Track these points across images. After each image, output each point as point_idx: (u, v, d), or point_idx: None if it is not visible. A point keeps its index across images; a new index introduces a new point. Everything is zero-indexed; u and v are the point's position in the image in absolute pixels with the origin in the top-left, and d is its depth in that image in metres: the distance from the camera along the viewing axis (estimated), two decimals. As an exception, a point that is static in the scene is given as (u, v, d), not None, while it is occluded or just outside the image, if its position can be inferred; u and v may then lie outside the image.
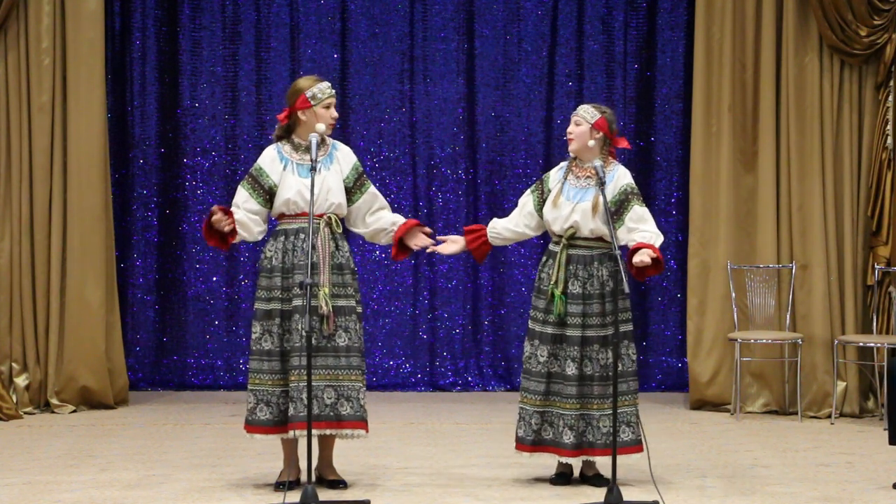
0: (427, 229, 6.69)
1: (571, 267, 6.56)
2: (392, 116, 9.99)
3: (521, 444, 6.64)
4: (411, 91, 9.97)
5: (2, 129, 8.89)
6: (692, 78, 9.23)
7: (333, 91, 6.55)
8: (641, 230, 6.56)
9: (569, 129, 6.65)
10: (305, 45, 9.90)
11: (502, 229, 6.80)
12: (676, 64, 9.86)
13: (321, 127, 6.42)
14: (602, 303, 6.53)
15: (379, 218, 6.65)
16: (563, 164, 6.76)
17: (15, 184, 8.88)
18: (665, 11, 9.86)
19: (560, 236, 6.59)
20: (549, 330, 6.57)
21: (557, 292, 6.52)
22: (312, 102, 6.48)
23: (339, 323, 6.42)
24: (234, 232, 6.47)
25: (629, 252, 6.53)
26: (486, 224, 6.87)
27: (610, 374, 6.48)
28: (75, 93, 8.92)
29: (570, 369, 6.52)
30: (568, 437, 6.52)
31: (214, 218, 6.41)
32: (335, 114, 6.53)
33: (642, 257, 6.39)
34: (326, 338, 6.39)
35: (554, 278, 6.54)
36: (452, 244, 6.83)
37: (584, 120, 6.62)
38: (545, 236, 6.86)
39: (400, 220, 6.66)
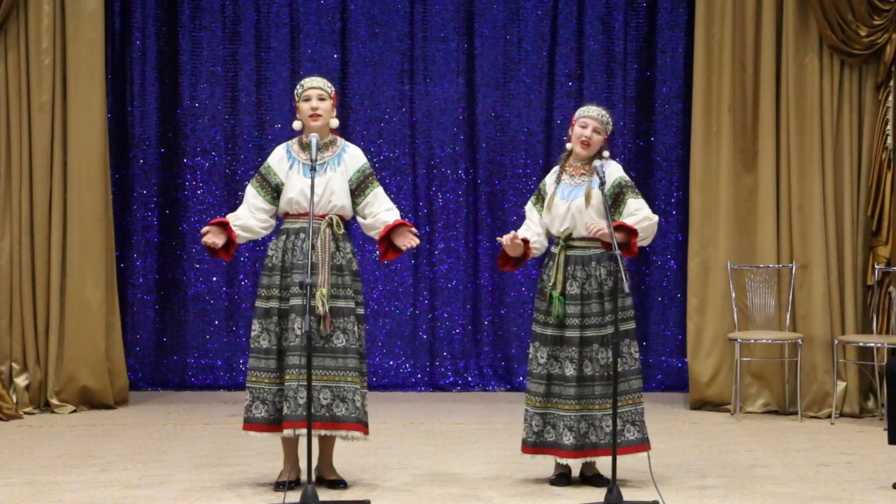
0: (413, 229, 6.51)
1: (570, 268, 6.56)
2: (392, 116, 9.98)
3: (525, 446, 6.66)
4: (411, 91, 9.96)
5: (2, 129, 8.88)
6: (692, 78, 9.23)
7: (317, 83, 6.50)
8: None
9: (587, 134, 6.55)
10: (305, 45, 9.89)
11: (539, 242, 6.70)
12: (676, 64, 9.85)
13: (314, 136, 6.40)
14: (601, 302, 6.53)
15: (374, 220, 6.55)
16: (556, 168, 6.74)
17: (15, 183, 8.88)
18: (665, 11, 9.86)
19: (558, 237, 6.61)
20: (549, 332, 6.58)
21: (556, 294, 6.53)
22: (297, 99, 6.54)
23: (337, 324, 6.42)
24: (230, 244, 6.47)
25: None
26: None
27: (611, 373, 6.49)
28: (75, 93, 8.92)
29: (569, 370, 6.52)
30: (568, 439, 6.52)
31: (204, 241, 6.41)
32: (315, 105, 6.45)
33: (600, 226, 6.36)
34: (324, 339, 6.39)
35: (553, 280, 6.55)
36: (516, 246, 6.60)
37: (605, 131, 6.60)
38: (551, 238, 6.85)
39: (390, 220, 6.51)
